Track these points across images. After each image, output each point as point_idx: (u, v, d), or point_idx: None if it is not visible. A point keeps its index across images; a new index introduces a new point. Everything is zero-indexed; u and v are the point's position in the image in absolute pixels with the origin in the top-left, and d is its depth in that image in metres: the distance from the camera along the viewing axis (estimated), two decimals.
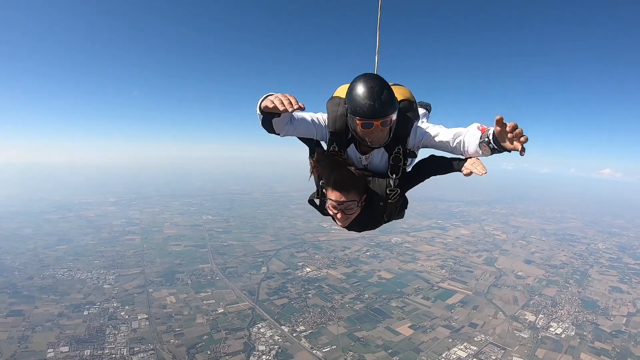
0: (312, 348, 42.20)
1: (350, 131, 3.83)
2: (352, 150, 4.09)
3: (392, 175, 3.99)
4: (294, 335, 44.60)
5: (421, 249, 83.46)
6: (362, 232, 4.75)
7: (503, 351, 43.45)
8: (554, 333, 48.08)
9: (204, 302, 51.95)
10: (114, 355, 39.02)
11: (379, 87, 3.38)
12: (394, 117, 3.53)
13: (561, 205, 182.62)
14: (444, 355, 42.21)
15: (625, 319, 53.41)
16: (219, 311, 49.48)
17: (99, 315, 46.65)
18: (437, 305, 54.83)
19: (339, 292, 57.40)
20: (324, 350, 41.83)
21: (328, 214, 4.23)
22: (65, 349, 39.68)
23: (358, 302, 54.42)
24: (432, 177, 4.30)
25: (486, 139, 3.30)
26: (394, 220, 4.48)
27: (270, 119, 3.49)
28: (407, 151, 3.98)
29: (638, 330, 49.90)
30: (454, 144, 3.75)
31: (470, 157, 3.76)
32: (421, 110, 5.25)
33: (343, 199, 3.74)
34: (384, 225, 4.52)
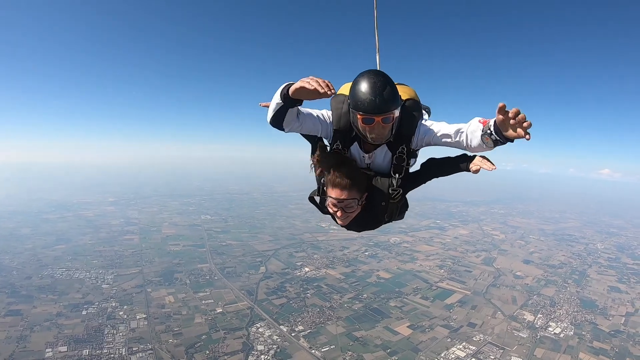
0: (310, 348, 42.19)
1: (354, 129, 3.81)
2: (355, 148, 4.06)
3: (394, 174, 3.98)
4: (293, 335, 44.58)
5: (420, 248, 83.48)
6: (361, 232, 4.72)
7: (502, 351, 43.46)
8: (552, 333, 48.12)
9: (203, 301, 51.89)
10: (112, 355, 38.94)
11: (382, 82, 3.36)
12: (396, 113, 3.50)
13: (560, 206, 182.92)
14: (442, 355, 42.21)
15: (623, 318, 53.49)
16: (218, 311, 49.44)
17: (97, 315, 46.57)
18: (436, 305, 54.85)
19: (338, 291, 57.38)
20: (322, 350, 41.81)
21: (328, 213, 4.20)
22: (64, 348, 39.61)
23: (357, 302, 54.41)
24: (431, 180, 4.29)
25: (488, 131, 3.27)
26: (393, 221, 4.47)
27: (286, 110, 3.43)
28: (411, 150, 3.96)
29: (637, 330, 49.97)
30: (457, 139, 3.70)
31: (476, 154, 3.76)
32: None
33: (343, 196, 3.72)
34: (383, 225, 4.50)
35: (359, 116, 3.45)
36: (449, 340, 45.41)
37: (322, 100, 3.51)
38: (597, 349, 45.11)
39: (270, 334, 44.42)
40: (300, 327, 46.27)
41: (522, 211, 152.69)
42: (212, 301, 52.09)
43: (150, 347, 40.56)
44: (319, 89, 2.95)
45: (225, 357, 39.75)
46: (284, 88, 3.26)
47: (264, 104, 5.10)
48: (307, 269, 66.17)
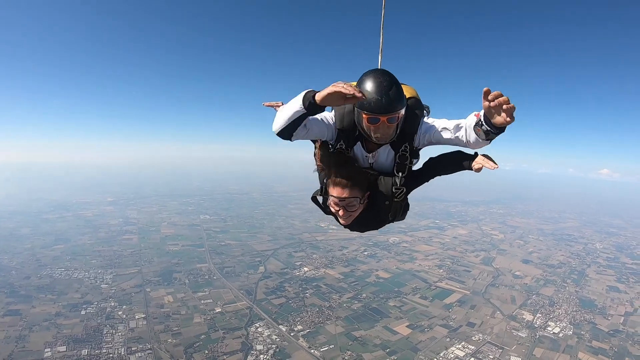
0: (309, 347, 42.19)
1: (357, 128, 3.80)
2: (358, 148, 4.06)
3: (398, 173, 3.98)
4: (292, 334, 44.57)
5: (419, 248, 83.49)
6: (363, 233, 4.71)
7: (501, 350, 43.49)
8: (551, 332, 48.15)
9: (202, 301, 51.88)
10: (111, 355, 38.91)
11: (388, 82, 3.35)
12: (402, 113, 3.50)
13: (559, 206, 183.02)
14: (441, 354, 42.23)
15: (622, 318, 53.54)
16: (217, 311, 49.44)
17: (96, 315, 46.55)
18: (435, 305, 54.86)
19: (337, 291, 57.39)
20: (321, 350, 41.82)
21: (331, 213, 4.18)
22: (63, 348, 39.58)
23: (356, 302, 54.42)
24: (436, 177, 4.29)
25: (479, 122, 3.26)
26: (395, 222, 4.46)
27: (305, 118, 3.36)
28: (414, 149, 3.97)
29: (635, 330, 50.02)
30: (457, 135, 3.70)
31: (478, 152, 3.76)
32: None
33: (345, 195, 3.72)
34: (385, 225, 4.51)
35: (364, 115, 3.45)
36: (448, 339, 45.43)
37: None
38: (596, 348, 45.14)
39: (269, 333, 44.41)
40: (300, 327, 46.26)
41: (521, 211, 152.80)
42: (211, 301, 52.07)
43: (149, 346, 40.53)
44: (357, 93, 2.89)
45: (224, 356, 39.72)
46: (306, 95, 3.18)
47: (267, 103, 5.07)
48: (306, 269, 66.17)
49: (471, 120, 3.49)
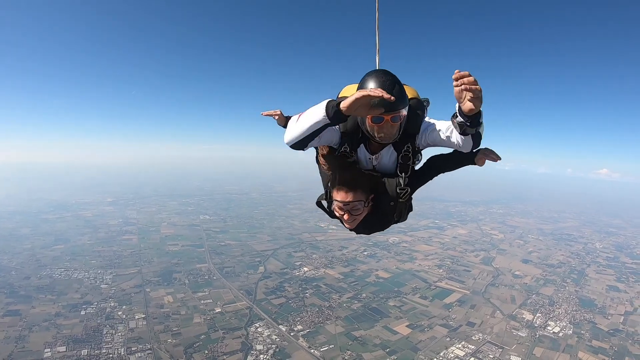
0: (309, 347, 42.19)
1: (360, 130, 3.80)
2: (361, 150, 4.06)
3: (401, 174, 3.98)
4: (292, 334, 44.58)
5: (419, 248, 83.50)
6: (371, 234, 4.70)
7: (501, 350, 43.50)
8: (551, 332, 48.17)
9: (202, 301, 51.88)
10: (111, 355, 38.90)
11: (391, 81, 3.32)
12: (404, 112, 3.48)
13: (558, 205, 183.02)
14: (441, 354, 42.24)
15: (622, 317, 53.57)
16: (217, 311, 49.43)
17: (96, 315, 46.54)
18: (435, 305, 54.88)
19: (337, 291, 57.39)
20: (321, 350, 41.82)
21: (336, 217, 4.18)
22: (62, 348, 39.57)
23: (356, 302, 54.42)
24: (438, 175, 4.29)
25: (454, 113, 3.23)
26: (399, 223, 4.46)
27: (325, 129, 3.33)
28: (416, 149, 3.97)
29: (635, 329, 50.04)
30: (447, 135, 3.68)
31: (479, 148, 3.76)
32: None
33: (349, 199, 3.71)
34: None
35: (368, 115, 3.43)
36: (448, 339, 45.45)
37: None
38: (596, 347, 45.17)
39: (269, 333, 44.41)
40: (299, 327, 46.27)
41: (520, 211, 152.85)
42: (211, 301, 52.07)
43: (149, 347, 40.53)
44: (385, 94, 2.87)
45: (224, 356, 39.72)
46: (329, 105, 3.15)
47: (266, 113, 5.09)
48: (306, 269, 66.17)
49: None
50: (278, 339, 43.32)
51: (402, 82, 3.67)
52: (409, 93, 4.05)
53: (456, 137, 3.51)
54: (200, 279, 59.70)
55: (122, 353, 39.28)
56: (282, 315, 48.83)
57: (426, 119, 4.03)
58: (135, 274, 60.46)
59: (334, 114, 3.11)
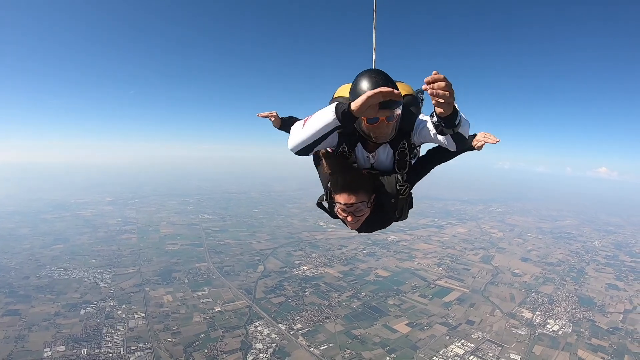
0: (309, 346, 42.21)
1: (356, 131, 3.78)
2: (359, 149, 4.05)
3: (399, 170, 3.99)
4: (291, 333, 44.59)
5: (418, 247, 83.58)
6: (363, 232, 4.69)
7: (500, 348, 43.56)
8: (551, 330, 48.23)
9: (201, 300, 51.89)
10: (110, 354, 38.90)
11: (384, 81, 3.32)
12: (399, 111, 3.46)
13: (557, 204, 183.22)
14: (441, 352, 42.27)
15: (621, 316, 53.64)
16: (216, 310, 49.44)
17: (95, 315, 46.53)
18: (434, 303, 54.93)
19: (336, 290, 57.41)
20: (321, 348, 41.84)
21: (337, 217, 4.17)
22: (62, 348, 39.55)
23: (355, 300, 54.44)
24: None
25: (432, 113, 3.20)
26: (400, 221, 4.45)
27: (334, 132, 3.32)
28: (412, 145, 3.96)
29: (635, 327, 50.11)
30: (433, 132, 3.64)
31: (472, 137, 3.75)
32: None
33: (352, 200, 3.69)
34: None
35: (363, 117, 3.41)
36: (447, 337, 45.49)
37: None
38: (596, 346, 45.23)
39: (268, 332, 44.43)
40: (299, 326, 46.30)
41: (519, 209, 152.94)
42: (211, 300, 52.08)
43: (148, 346, 40.53)
44: (395, 91, 2.83)
45: (224, 355, 39.71)
46: (339, 107, 3.14)
47: (262, 114, 5.10)
48: (305, 268, 66.19)
49: None
50: (278, 338, 43.33)
51: (397, 80, 3.66)
52: (403, 90, 4.07)
53: (440, 136, 3.51)
54: (199, 278, 59.70)
55: (122, 352, 39.28)
56: (282, 314, 48.86)
57: (421, 116, 4.03)
58: (134, 273, 60.45)
59: (345, 115, 3.10)
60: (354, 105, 2.99)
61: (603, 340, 46.56)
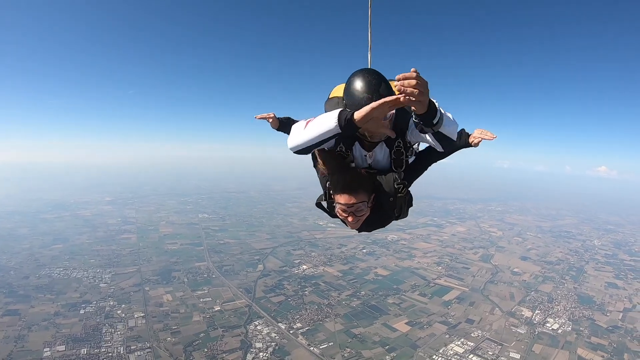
0: (309, 345, 42.22)
1: None
2: (357, 148, 4.02)
3: (396, 169, 3.96)
4: (291, 332, 44.61)
5: (417, 246, 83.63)
6: (363, 232, 4.68)
7: (500, 347, 43.59)
8: (550, 329, 48.28)
9: (201, 300, 51.90)
10: (110, 354, 38.88)
11: (377, 80, 3.31)
12: (393, 111, 3.44)
13: (557, 203, 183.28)
14: (440, 351, 42.29)
15: (621, 314, 53.74)
16: (216, 309, 49.44)
17: (95, 314, 46.52)
18: (434, 302, 54.96)
19: (336, 289, 57.43)
20: (321, 347, 41.86)
21: (337, 217, 4.16)
22: (62, 348, 39.54)
23: (355, 299, 54.45)
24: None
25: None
26: (400, 219, 4.44)
27: (334, 138, 3.27)
28: (408, 144, 3.94)
29: (634, 326, 50.19)
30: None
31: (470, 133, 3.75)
32: None
33: (352, 201, 3.67)
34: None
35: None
36: (447, 336, 45.53)
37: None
38: (595, 344, 45.30)
39: (268, 331, 44.45)
40: (299, 325, 46.32)
41: (519, 208, 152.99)
42: (210, 299, 52.09)
43: (148, 345, 40.52)
44: (401, 98, 2.72)
45: (224, 355, 39.71)
46: (341, 115, 3.09)
47: (259, 116, 5.12)
48: (305, 267, 66.21)
49: None
50: (277, 337, 43.36)
51: (391, 79, 3.65)
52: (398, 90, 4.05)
53: (425, 135, 3.44)
54: (199, 278, 59.71)
55: (122, 352, 39.26)
56: (282, 313, 48.87)
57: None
58: (134, 272, 60.45)
59: (346, 124, 3.06)
60: (357, 115, 2.95)
61: (602, 338, 46.64)
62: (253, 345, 41.41)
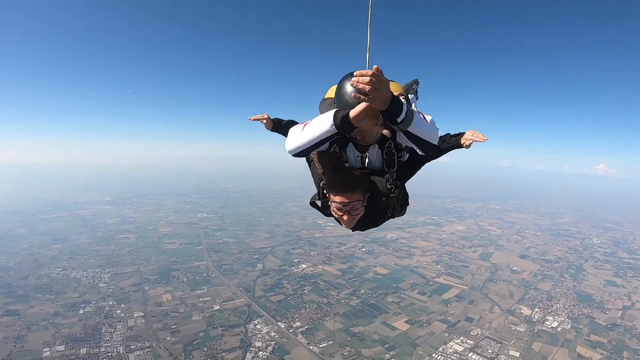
0: (308, 344, 42.25)
1: None
2: (351, 149, 4.01)
3: (388, 169, 3.96)
4: (291, 331, 44.65)
5: (416, 244, 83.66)
6: (365, 231, 4.67)
7: (499, 345, 43.66)
8: (549, 327, 48.35)
9: (200, 299, 51.91)
10: (110, 354, 38.90)
11: None
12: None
13: (555, 201, 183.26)
14: (440, 349, 42.36)
15: (620, 312, 53.85)
16: (215, 308, 49.47)
17: (94, 314, 46.52)
18: (433, 300, 55.01)
19: (335, 288, 57.47)
20: (320, 346, 41.90)
21: (331, 215, 4.17)
22: (61, 347, 39.55)
23: (354, 298, 54.50)
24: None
25: None
26: (396, 217, 4.44)
27: (331, 139, 3.34)
28: (399, 145, 3.92)
29: (633, 324, 50.29)
30: None
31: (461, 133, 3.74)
32: (410, 96, 5.21)
33: (347, 200, 3.67)
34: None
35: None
36: (446, 334, 45.60)
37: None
38: (594, 342, 45.40)
39: (268, 330, 44.49)
40: (298, 324, 46.36)
41: (517, 207, 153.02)
42: (210, 298, 52.11)
43: (148, 345, 40.55)
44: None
45: (223, 354, 39.74)
46: (337, 115, 3.13)
47: (253, 118, 5.12)
48: (304, 266, 66.24)
49: None
50: (277, 336, 43.40)
51: (390, 79, 3.63)
52: (394, 90, 4.04)
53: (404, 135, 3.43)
54: (198, 277, 59.72)
55: (121, 351, 39.32)
56: (281, 312, 48.91)
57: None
58: (133, 272, 60.43)
59: (342, 123, 3.10)
60: (352, 113, 2.98)
61: (602, 336, 46.74)
62: (252, 344, 41.45)
